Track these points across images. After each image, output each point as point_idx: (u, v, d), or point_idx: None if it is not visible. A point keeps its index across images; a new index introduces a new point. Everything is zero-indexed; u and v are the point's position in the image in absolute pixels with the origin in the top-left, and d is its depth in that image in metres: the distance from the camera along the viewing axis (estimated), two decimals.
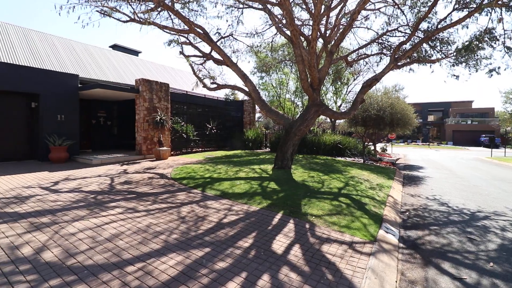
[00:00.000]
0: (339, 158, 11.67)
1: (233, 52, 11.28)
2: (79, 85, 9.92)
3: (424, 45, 8.69)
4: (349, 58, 10.56)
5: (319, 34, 7.91)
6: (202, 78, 10.79)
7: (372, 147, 15.20)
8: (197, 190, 5.49)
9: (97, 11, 7.93)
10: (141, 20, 8.28)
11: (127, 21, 8.32)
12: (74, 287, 2.16)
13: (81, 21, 8.41)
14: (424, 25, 8.44)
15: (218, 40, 9.95)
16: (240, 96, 24.62)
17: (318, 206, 4.49)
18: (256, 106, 19.08)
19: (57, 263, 2.53)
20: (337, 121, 26.30)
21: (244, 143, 15.15)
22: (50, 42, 13.55)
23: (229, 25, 10.09)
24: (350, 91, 24.14)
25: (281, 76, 22.05)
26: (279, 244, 3.09)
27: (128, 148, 12.47)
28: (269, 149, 15.11)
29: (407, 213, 5.06)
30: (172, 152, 11.46)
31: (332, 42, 8.90)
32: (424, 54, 9.04)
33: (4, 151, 8.77)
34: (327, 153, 12.72)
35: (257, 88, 8.75)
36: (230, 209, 4.33)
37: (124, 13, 8.11)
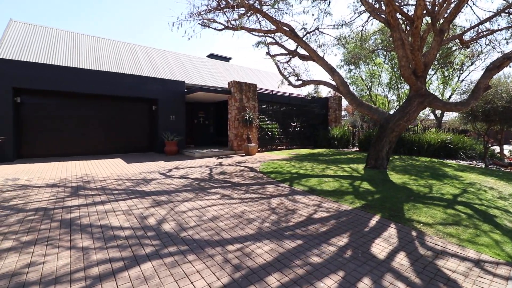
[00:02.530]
0: (449, 161, 9.66)
1: (319, 46, 10.93)
2: (185, 90, 11.66)
3: None
4: (465, 37, 8.59)
5: (424, 11, 6.72)
6: (287, 76, 10.90)
7: (497, 149, 11.93)
8: (284, 184, 5.56)
9: (199, 23, 9.09)
10: (234, 26, 9.02)
11: (222, 29, 9.21)
12: (187, 255, 2.51)
13: (187, 34, 9.90)
14: None
15: (304, 36, 9.82)
16: (324, 93, 23.68)
17: (426, 213, 3.81)
18: (343, 102, 17.94)
19: (173, 233, 3.00)
20: (443, 118, 21.93)
21: (329, 141, 14.48)
22: (164, 56, 16.46)
23: (315, 19, 9.82)
24: (463, 80, 19.72)
25: (372, 67, 20.04)
26: (379, 249, 2.76)
27: (222, 144, 13.86)
28: (358, 149, 13.93)
29: None
30: (258, 149, 12.06)
31: (441, 20, 7.45)
32: None
33: (134, 144, 11.21)
34: (431, 155, 10.74)
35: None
36: (320, 205, 4.18)
37: (219, 23, 9.00)
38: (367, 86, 20.36)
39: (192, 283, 2.09)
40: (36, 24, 13.77)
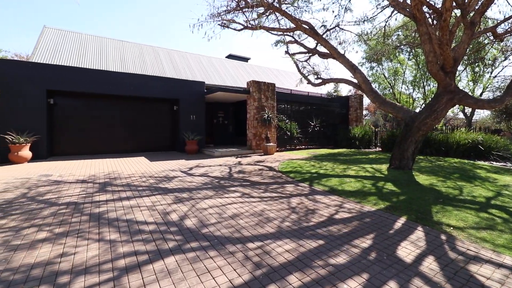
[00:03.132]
0: (481, 162, 9.06)
1: (339, 44, 10.68)
2: (205, 90, 11.86)
3: None
4: (498, 30, 8.01)
5: (454, 3, 6.36)
6: (307, 74, 10.76)
7: None
8: (304, 184, 5.48)
9: (219, 24, 9.20)
10: (252, 26, 9.04)
11: (241, 29, 9.26)
12: (208, 251, 2.54)
13: (207, 35, 10.07)
14: None
15: (324, 33, 9.65)
16: (344, 92, 23.10)
17: (457, 216, 3.59)
18: (365, 101, 17.38)
19: (194, 229, 3.06)
20: (473, 117, 20.63)
21: (349, 141, 14.10)
22: (185, 57, 16.85)
23: (335, 16, 9.60)
24: (496, 76, 18.43)
25: (395, 64, 19.29)
26: (405, 252, 2.64)
27: (240, 144, 13.97)
28: (380, 149, 13.45)
29: None
30: (277, 148, 12.00)
31: (472, 12, 7.04)
32: None
33: (156, 143, 11.58)
34: (461, 155, 10.13)
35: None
36: (341, 206, 4.08)
37: (238, 23, 9.06)
38: (390, 84, 19.63)
39: (213, 278, 2.11)
40: (67, 30, 14.63)
